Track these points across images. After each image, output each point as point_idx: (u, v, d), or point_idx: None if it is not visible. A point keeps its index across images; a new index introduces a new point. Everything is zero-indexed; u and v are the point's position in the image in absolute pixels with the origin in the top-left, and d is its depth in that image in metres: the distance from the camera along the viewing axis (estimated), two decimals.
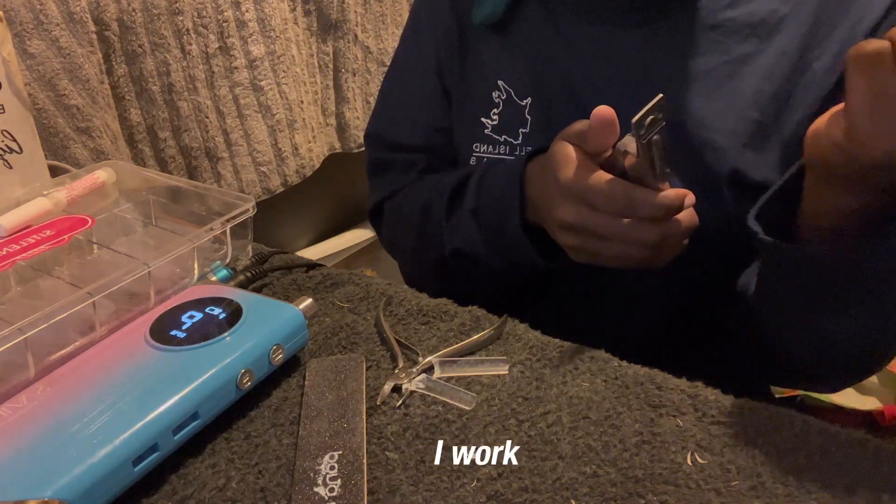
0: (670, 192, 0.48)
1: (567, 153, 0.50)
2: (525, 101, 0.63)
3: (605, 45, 0.60)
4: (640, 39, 0.58)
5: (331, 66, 1.31)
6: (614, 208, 0.48)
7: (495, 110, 0.65)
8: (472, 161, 0.66)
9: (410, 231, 0.69)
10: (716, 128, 0.56)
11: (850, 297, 0.48)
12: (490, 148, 0.65)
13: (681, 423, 0.45)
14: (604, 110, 0.47)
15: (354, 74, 1.34)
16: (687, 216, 0.50)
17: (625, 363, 0.50)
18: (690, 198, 0.50)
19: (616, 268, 0.52)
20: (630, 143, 0.48)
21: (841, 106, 0.41)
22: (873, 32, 0.53)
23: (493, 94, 0.65)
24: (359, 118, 1.38)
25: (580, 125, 0.51)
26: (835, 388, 0.62)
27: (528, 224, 0.57)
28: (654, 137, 0.47)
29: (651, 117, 0.46)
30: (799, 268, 0.48)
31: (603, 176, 0.48)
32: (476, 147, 0.66)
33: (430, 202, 0.66)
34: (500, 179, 0.59)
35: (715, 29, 0.56)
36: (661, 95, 0.46)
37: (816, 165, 0.44)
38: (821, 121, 0.43)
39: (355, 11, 1.29)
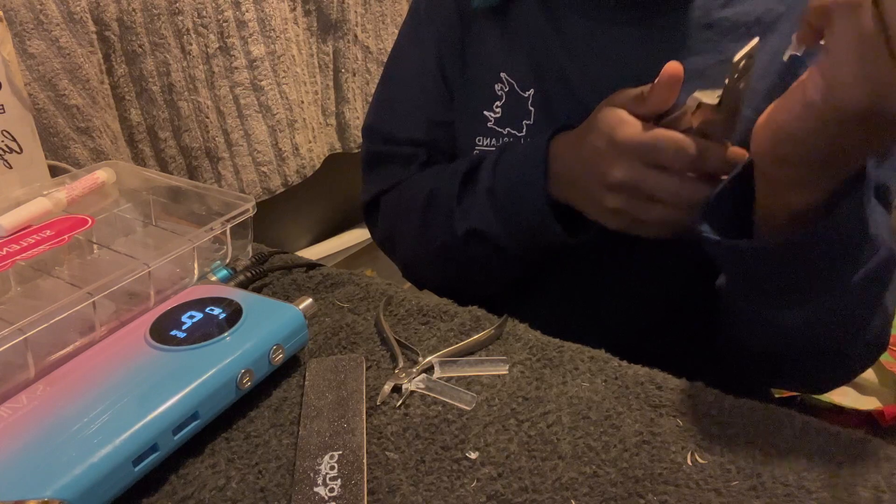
0: (737, 149, 0.48)
1: (621, 115, 0.50)
2: (528, 93, 0.63)
3: (600, 41, 0.60)
4: (634, 37, 0.58)
5: (331, 66, 1.31)
6: (682, 161, 0.48)
7: (498, 103, 0.65)
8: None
9: (414, 217, 0.67)
10: None
11: (794, 288, 0.48)
12: (493, 141, 0.65)
13: (681, 423, 0.45)
14: (674, 66, 0.47)
15: (354, 74, 1.34)
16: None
17: (625, 363, 0.50)
18: (746, 154, 0.49)
19: (650, 237, 0.52)
20: (699, 97, 0.47)
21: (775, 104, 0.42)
22: None
23: (496, 86, 0.64)
24: (359, 118, 1.38)
25: (631, 91, 0.51)
26: (816, 388, 0.62)
27: (551, 200, 0.56)
28: (741, 85, 0.46)
29: (744, 62, 0.45)
30: (742, 262, 0.49)
31: (669, 131, 0.48)
32: (479, 140, 0.65)
33: (439, 187, 0.65)
34: (519, 157, 0.58)
35: (710, 28, 0.56)
36: (757, 39, 0.45)
37: (767, 158, 0.44)
38: (766, 115, 0.43)
39: (355, 11, 1.29)
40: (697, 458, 0.42)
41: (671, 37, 0.57)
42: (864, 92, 0.37)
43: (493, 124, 0.65)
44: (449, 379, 0.49)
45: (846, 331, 0.51)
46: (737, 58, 0.45)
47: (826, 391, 0.68)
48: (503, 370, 0.50)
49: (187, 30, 1.04)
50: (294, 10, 1.20)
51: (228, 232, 0.57)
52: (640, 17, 0.58)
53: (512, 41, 0.64)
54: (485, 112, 0.65)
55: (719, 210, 0.48)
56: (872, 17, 0.36)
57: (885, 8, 0.35)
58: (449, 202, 0.63)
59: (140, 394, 0.42)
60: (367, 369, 0.50)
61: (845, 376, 0.58)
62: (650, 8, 0.58)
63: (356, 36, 1.32)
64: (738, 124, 0.49)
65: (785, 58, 0.46)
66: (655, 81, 0.49)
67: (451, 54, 0.68)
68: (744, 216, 0.49)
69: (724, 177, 0.49)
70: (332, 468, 0.41)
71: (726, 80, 0.46)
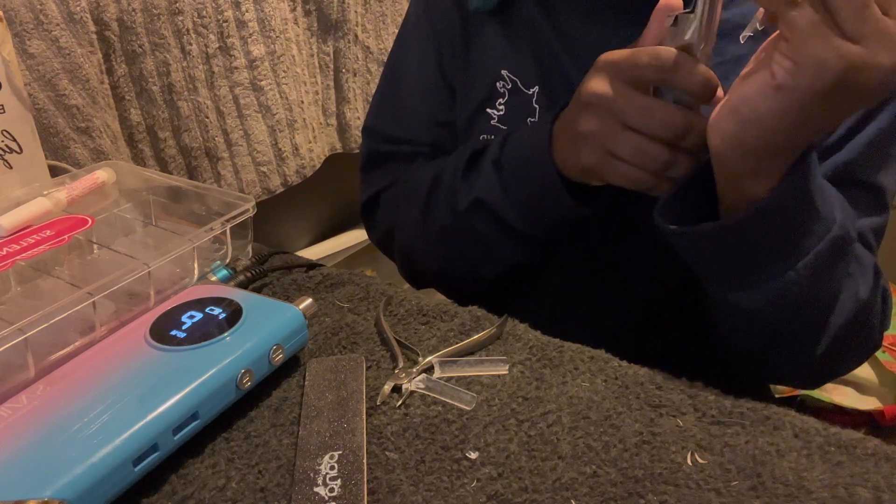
0: (707, 70, 0.46)
1: (613, 51, 0.49)
2: (532, 90, 0.63)
3: (599, 43, 0.59)
4: (633, 39, 0.58)
5: (331, 66, 1.31)
6: (655, 63, 0.46)
7: (501, 100, 0.64)
8: None
9: (417, 202, 0.67)
10: None
11: (748, 268, 0.49)
12: None
13: (681, 423, 0.45)
14: None
15: (355, 74, 1.34)
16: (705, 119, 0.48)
17: (625, 363, 0.50)
18: (721, 92, 0.48)
19: (618, 184, 0.50)
20: (675, 14, 0.47)
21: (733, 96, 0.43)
22: None
23: (497, 84, 0.64)
24: (359, 118, 1.38)
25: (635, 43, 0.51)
26: (796, 381, 0.63)
27: (557, 170, 0.55)
28: None
29: None
30: (697, 246, 0.49)
31: (649, 47, 0.47)
32: (483, 139, 0.65)
33: (444, 169, 0.64)
34: (526, 133, 0.57)
35: None
36: None
37: (732, 147, 0.45)
38: (725, 107, 0.44)
39: (355, 11, 1.29)
40: (697, 458, 0.42)
41: None
42: (828, 71, 0.39)
43: (497, 122, 0.65)
44: (449, 379, 0.49)
45: (807, 313, 0.51)
46: None
47: (811, 385, 0.68)
48: (503, 370, 0.50)
49: (187, 30, 1.04)
50: (294, 10, 1.20)
51: (228, 232, 0.57)
52: (638, 20, 0.58)
53: (513, 39, 0.64)
54: (488, 110, 0.65)
55: (678, 205, 0.49)
56: (812, 5, 0.38)
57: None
58: (453, 180, 0.62)
59: (140, 394, 0.42)
60: (367, 369, 0.50)
61: (824, 367, 0.58)
62: (647, 11, 0.58)
63: (356, 36, 1.32)
64: (714, 35, 0.47)
65: (742, 39, 0.47)
66: (652, 13, 0.48)
67: (452, 52, 0.68)
68: (706, 210, 0.50)
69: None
70: (332, 468, 0.41)
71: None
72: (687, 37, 0.46)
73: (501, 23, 0.65)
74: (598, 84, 0.48)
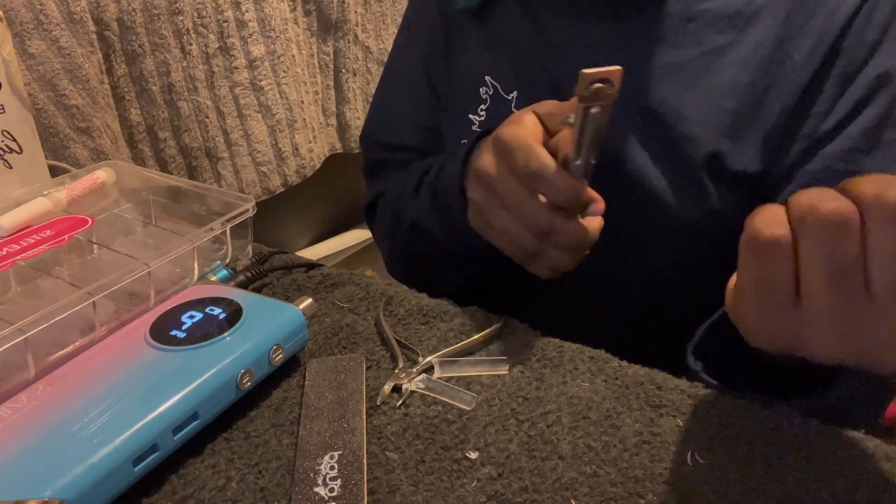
0: (581, 184, 0.46)
1: (522, 115, 0.49)
2: (511, 96, 0.63)
3: (582, 39, 0.60)
4: (617, 33, 0.58)
5: (331, 66, 1.31)
6: (525, 169, 0.46)
7: (483, 106, 0.65)
8: None
9: (388, 215, 0.69)
10: (692, 119, 0.56)
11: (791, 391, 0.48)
12: None
13: (681, 423, 0.45)
14: (600, 208, 0.48)
15: (355, 74, 1.34)
16: (586, 226, 0.48)
17: (625, 363, 0.50)
18: (599, 205, 0.48)
19: (502, 251, 0.51)
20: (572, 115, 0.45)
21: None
22: (848, 24, 0.53)
23: (481, 89, 0.65)
24: (359, 118, 1.38)
25: (553, 104, 0.50)
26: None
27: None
28: (594, 110, 0.43)
29: (599, 85, 0.42)
30: (734, 384, 0.48)
31: (532, 140, 0.47)
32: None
33: (406, 185, 0.66)
34: (455, 157, 0.58)
35: (691, 21, 0.56)
36: (620, 68, 0.42)
37: (735, 316, 0.42)
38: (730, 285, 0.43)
39: (355, 11, 1.29)
40: (697, 458, 0.42)
41: (653, 32, 0.57)
42: (763, 335, 0.39)
43: (478, 128, 0.65)
44: (449, 379, 0.49)
45: None
46: (584, 71, 0.41)
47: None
48: (503, 370, 0.50)
49: (187, 30, 1.04)
50: (294, 10, 1.20)
51: (228, 232, 0.57)
52: (622, 14, 0.58)
53: (495, 44, 0.64)
54: (470, 115, 0.66)
55: (708, 341, 0.49)
56: (782, 264, 0.35)
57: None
58: (401, 198, 0.64)
59: (140, 394, 0.42)
60: (367, 369, 0.50)
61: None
62: (631, 3, 0.58)
63: (356, 36, 1.32)
64: (594, 150, 0.45)
65: None
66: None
67: (437, 60, 0.69)
68: None
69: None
70: (332, 468, 0.41)
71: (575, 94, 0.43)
72: (562, 144, 0.46)
73: (484, 27, 0.65)
74: (486, 161, 0.49)
